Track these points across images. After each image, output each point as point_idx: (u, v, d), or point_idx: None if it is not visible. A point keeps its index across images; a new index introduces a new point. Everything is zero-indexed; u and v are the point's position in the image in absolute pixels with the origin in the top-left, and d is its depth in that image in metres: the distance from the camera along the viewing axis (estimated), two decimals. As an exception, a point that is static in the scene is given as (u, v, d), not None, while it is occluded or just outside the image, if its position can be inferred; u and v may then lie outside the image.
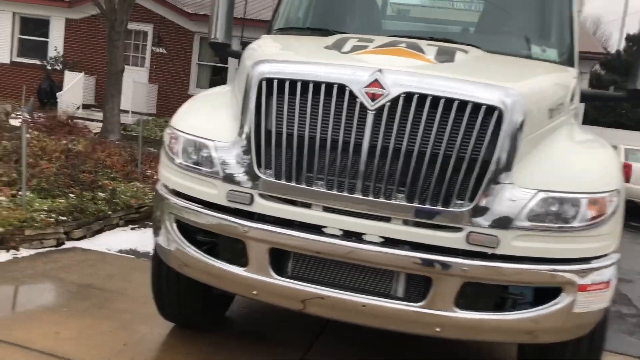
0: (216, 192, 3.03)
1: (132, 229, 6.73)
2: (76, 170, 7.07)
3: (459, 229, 2.75)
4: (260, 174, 2.93)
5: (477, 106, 2.73)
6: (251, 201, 2.95)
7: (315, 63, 3.03)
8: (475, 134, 2.72)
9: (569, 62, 3.90)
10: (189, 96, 16.96)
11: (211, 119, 3.31)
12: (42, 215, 5.68)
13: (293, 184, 2.89)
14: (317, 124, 2.85)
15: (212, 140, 3.09)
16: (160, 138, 14.21)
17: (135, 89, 16.07)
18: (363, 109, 2.79)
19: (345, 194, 2.82)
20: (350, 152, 2.80)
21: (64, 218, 5.87)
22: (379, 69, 2.83)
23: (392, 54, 3.20)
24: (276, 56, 3.17)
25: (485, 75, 3.05)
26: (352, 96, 2.81)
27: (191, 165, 3.14)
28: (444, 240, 2.77)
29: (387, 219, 2.82)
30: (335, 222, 2.85)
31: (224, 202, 3.01)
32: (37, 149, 7.48)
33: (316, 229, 2.90)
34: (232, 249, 3.03)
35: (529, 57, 3.89)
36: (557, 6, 4.10)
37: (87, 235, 6.02)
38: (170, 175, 3.28)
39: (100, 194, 6.75)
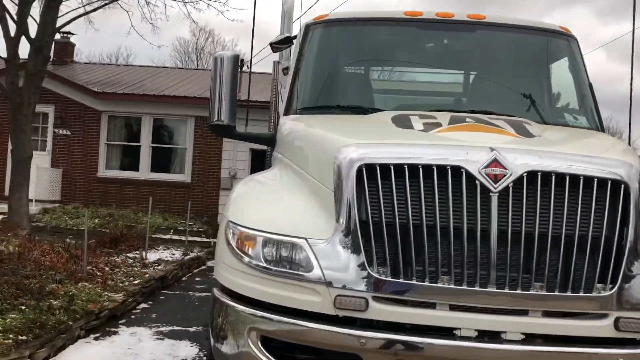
0: (319, 299, 2.57)
1: (96, 338, 5.79)
2: (18, 276, 6.06)
3: (604, 316, 2.52)
4: (373, 274, 2.53)
5: (602, 181, 2.58)
6: (366, 306, 2.52)
7: (419, 145, 2.75)
8: (606, 210, 2.55)
9: (602, 128, 3.94)
10: (99, 179, 15.68)
11: (287, 212, 2.87)
12: (-2, 338, 4.71)
13: (414, 281, 2.52)
14: (434, 211, 2.54)
15: (303, 238, 2.66)
16: (72, 227, 12.76)
17: (39, 175, 14.67)
18: (485, 191, 2.53)
19: (477, 288, 2.50)
20: (478, 240, 2.51)
21: (24, 337, 4.91)
22: (491, 148, 2.61)
23: (475, 130, 3.01)
24: (361, 140, 2.84)
25: (580, 148, 2.94)
26: (470, 178, 2.55)
27: (279, 270, 2.66)
28: (591, 329, 2.51)
29: (524, 312, 2.53)
30: (469, 322, 2.51)
31: (330, 310, 2.56)
32: (-38, 256, 6.36)
33: (443, 332, 2.53)
34: (342, 365, 2.57)
35: (567, 125, 3.89)
36: (576, 75, 4.18)
37: (50, 354, 5.06)
38: (243, 281, 2.77)
39: (54, 302, 5.80)
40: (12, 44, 12.13)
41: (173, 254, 10.64)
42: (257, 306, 2.74)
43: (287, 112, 4.09)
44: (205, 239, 13.49)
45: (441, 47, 4.30)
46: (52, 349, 5.07)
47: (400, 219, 2.55)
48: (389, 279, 2.52)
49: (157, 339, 5.93)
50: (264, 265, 2.69)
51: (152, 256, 10.03)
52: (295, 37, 4.77)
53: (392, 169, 2.59)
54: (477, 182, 2.54)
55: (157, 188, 15.80)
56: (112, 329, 6.15)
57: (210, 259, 11.68)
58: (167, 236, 13.28)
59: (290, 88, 4.18)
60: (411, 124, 3.15)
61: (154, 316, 6.86)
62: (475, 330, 2.51)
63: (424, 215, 2.54)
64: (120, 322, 6.48)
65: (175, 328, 6.39)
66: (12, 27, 12.22)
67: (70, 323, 5.55)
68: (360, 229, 2.57)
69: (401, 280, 2.52)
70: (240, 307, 2.75)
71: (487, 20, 4.15)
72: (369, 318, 2.53)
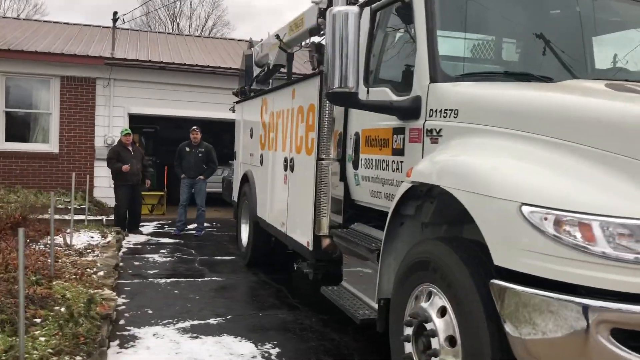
0: None
1: (121, 346, 4.80)
2: None
3: None
4: None
5: None
6: None
7: None
8: None
9: None
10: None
11: (606, 191, 2.62)
12: (58, 363, 3.65)
13: None
14: None
15: None
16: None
17: None
18: None
19: None
20: None
21: (79, 358, 3.88)
22: None
23: None
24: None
25: None
26: None
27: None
28: None
29: None
30: None
31: None
32: None
33: None
34: None
35: None
36: None
37: (103, 373, 4.09)
38: (585, 271, 2.47)
39: (73, 308, 4.67)
40: None
41: (92, 237, 9.22)
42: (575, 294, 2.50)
43: (433, 79, 3.68)
44: (95, 217, 11.95)
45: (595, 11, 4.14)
46: (104, 368, 4.11)
47: None
48: None
49: (192, 337, 5.12)
50: (617, 253, 2.44)
51: (74, 241, 8.57)
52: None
53: None
54: None
55: (16, 161, 13.46)
56: (124, 333, 5.16)
57: (122, 240, 10.36)
58: (48, 216, 11.41)
59: (430, 51, 3.76)
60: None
61: (150, 312, 5.90)
62: None
63: None
64: (120, 323, 5.46)
65: (194, 323, 5.58)
66: None
67: (99, 332, 4.53)
68: None
69: None
70: (571, 298, 2.47)
71: None
72: None
